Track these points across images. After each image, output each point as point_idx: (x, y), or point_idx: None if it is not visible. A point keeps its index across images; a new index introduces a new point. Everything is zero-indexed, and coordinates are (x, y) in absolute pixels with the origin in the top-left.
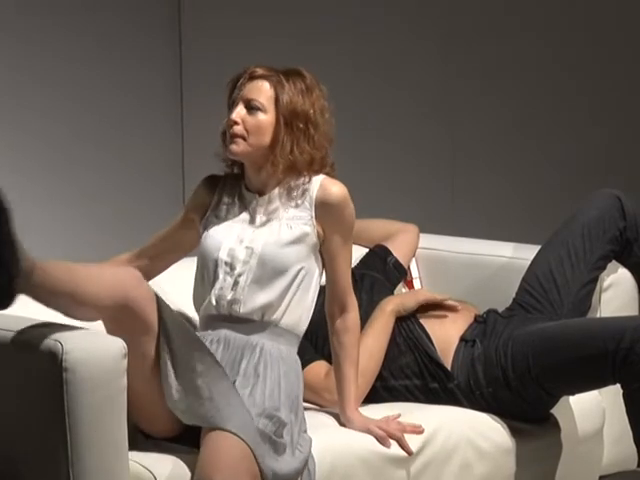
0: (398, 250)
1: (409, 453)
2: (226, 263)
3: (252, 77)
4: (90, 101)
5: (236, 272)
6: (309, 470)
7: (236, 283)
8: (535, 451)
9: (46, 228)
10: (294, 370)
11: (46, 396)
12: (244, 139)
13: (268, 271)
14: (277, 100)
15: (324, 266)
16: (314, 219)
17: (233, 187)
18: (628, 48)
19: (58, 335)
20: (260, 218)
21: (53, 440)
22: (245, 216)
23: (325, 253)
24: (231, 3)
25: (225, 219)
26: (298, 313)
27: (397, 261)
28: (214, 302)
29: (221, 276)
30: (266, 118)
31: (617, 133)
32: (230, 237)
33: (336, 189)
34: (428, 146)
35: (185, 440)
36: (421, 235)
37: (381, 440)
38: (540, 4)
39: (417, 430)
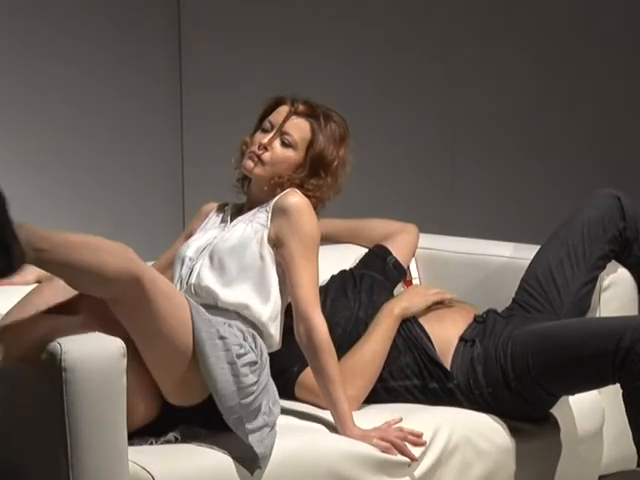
0: (398, 250)
1: (413, 460)
2: (190, 259)
3: (297, 113)
4: (89, 106)
5: (193, 263)
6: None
7: (193, 270)
8: (535, 451)
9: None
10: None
11: (45, 396)
12: (266, 165)
13: (216, 261)
14: (311, 143)
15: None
16: (269, 221)
17: (235, 205)
18: (628, 48)
19: (55, 335)
20: (235, 221)
21: (53, 440)
22: (222, 224)
23: (281, 262)
24: (231, 8)
25: (206, 230)
26: (254, 309)
27: (397, 261)
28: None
29: (185, 270)
30: (294, 156)
31: (617, 133)
32: (201, 240)
33: (295, 199)
34: (428, 146)
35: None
36: (421, 235)
37: (385, 450)
38: (539, 5)
39: (419, 441)
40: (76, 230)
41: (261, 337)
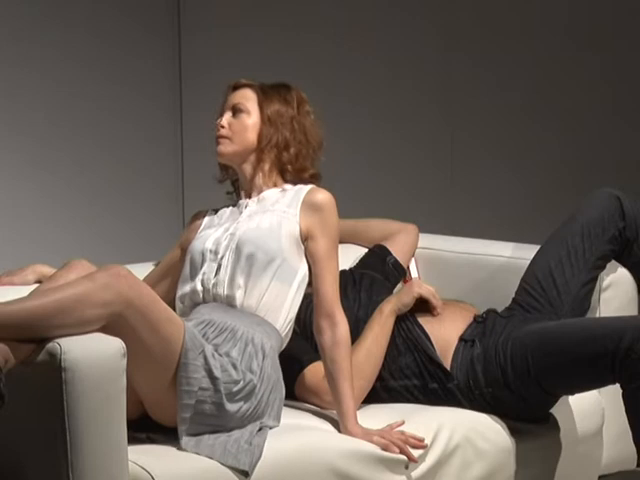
0: (397, 250)
1: (412, 460)
2: (211, 251)
3: (236, 87)
4: (87, 100)
5: (219, 256)
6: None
7: (219, 267)
8: (535, 451)
9: (44, 229)
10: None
11: (45, 396)
12: (230, 140)
13: (246, 253)
14: (261, 103)
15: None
16: (298, 216)
17: (226, 206)
18: (628, 47)
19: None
20: (248, 211)
21: (53, 440)
22: (236, 215)
23: (310, 257)
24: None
25: (217, 224)
26: (276, 305)
27: (396, 261)
28: (200, 287)
29: (207, 263)
30: (251, 119)
31: (617, 132)
32: (218, 231)
33: (323, 194)
34: (427, 146)
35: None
36: (420, 235)
37: (385, 448)
38: (539, 5)
39: (420, 444)
40: (74, 227)
41: (272, 339)
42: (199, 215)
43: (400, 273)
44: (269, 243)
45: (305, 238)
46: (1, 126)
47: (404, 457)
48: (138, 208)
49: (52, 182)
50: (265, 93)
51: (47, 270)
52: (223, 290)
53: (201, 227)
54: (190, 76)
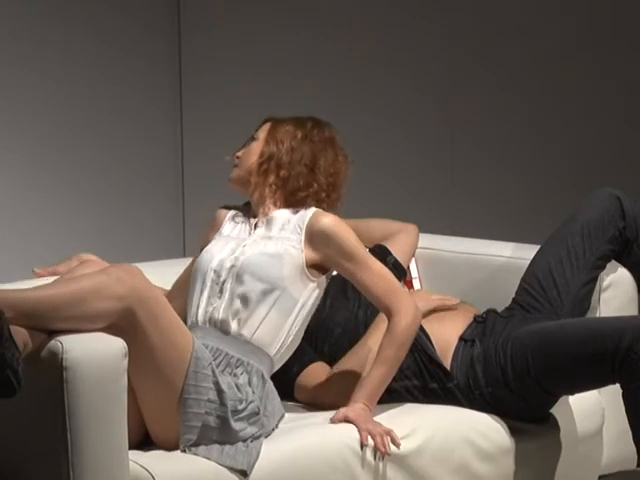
0: (398, 250)
1: (383, 452)
2: (215, 271)
3: (265, 121)
4: (87, 100)
5: (221, 279)
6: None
7: (221, 290)
8: (535, 451)
9: (44, 229)
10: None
11: (46, 395)
12: (237, 167)
13: (247, 280)
14: (271, 129)
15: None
16: (303, 243)
17: (247, 212)
18: (628, 47)
19: (58, 334)
20: (256, 235)
21: (53, 439)
22: (244, 235)
23: (344, 276)
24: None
25: (226, 236)
26: (272, 334)
27: (397, 261)
28: (200, 310)
29: (209, 284)
30: (256, 145)
31: (617, 132)
32: (224, 251)
33: (327, 219)
34: (427, 146)
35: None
36: (420, 235)
37: (363, 438)
38: (540, 5)
39: (395, 442)
40: (74, 226)
41: (263, 364)
42: (221, 214)
43: (400, 273)
44: (271, 272)
45: (317, 265)
46: (1, 126)
47: (404, 453)
48: (138, 208)
49: (52, 182)
50: (280, 121)
51: (93, 258)
52: (219, 314)
53: (220, 230)
54: (190, 76)
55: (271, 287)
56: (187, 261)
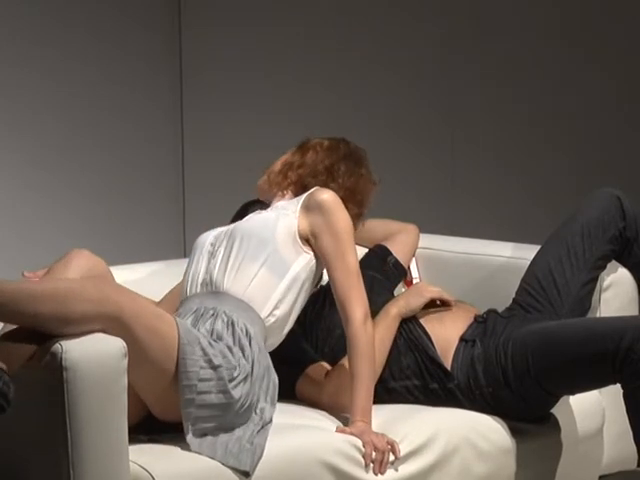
0: (398, 250)
1: (377, 470)
2: (211, 244)
3: None
4: (88, 100)
5: (215, 247)
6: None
7: (214, 255)
8: (535, 451)
9: (44, 229)
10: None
11: (46, 395)
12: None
13: (239, 238)
14: (301, 144)
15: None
16: (297, 212)
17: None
18: (629, 47)
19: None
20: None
21: (53, 439)
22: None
23: (320, 256)
24: None
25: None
26: (263, 294)
27: (397, 261)
28: (199, 277)
29: (206, 256)
30: (287, 155)
31: (617, 132)
32: (223, 228)
33: (327, 194)
34: (427, 146)
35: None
36: (421, 235)
37: (366, 452)
38: (540, 4)
39: (396, 454)
40: (74, 225)
41: (255, 326)
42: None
43: (401, 273)
44: (262, 231)
45: (307, 237)
46: (1, 126)
47: (400, 454)
48: (138, 208)
49: (52, 182)
50: (314, 139)
51: (85, 253)
52: (214, 275)
53: None
54: (190, 76)
55: (262, 244)
56: (187, 261)
